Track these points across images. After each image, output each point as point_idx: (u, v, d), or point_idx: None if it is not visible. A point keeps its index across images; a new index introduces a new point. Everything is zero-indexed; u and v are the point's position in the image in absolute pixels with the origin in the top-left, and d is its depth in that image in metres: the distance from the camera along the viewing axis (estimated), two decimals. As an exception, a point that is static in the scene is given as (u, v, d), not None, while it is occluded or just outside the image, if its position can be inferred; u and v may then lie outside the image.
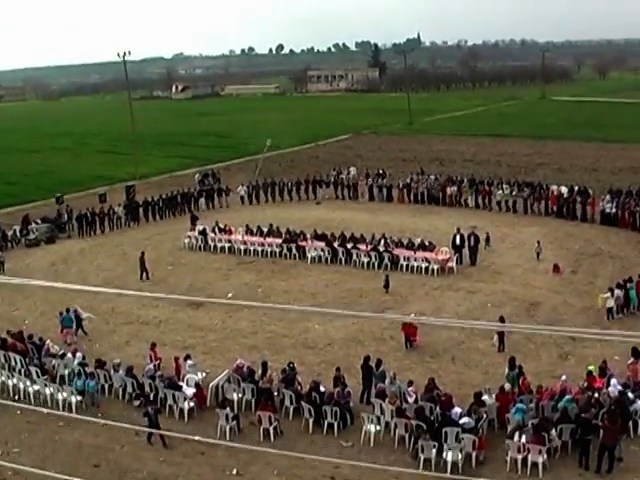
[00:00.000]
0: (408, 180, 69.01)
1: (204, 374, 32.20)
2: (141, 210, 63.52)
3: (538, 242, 47.14)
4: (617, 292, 38.39)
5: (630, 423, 27.02)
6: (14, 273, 49.51)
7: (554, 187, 61.23)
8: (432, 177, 68.92)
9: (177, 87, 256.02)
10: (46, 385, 31.63)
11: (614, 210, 55.72)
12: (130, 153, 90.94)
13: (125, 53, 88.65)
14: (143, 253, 48.37)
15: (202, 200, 67.30)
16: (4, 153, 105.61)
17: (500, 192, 62.57)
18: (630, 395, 27.86)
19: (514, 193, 62.25)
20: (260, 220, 55.96)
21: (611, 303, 38.20)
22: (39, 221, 59.17)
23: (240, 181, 72.10)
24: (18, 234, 57.41)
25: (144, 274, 47.41)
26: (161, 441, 27.53)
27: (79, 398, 30.99)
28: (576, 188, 60.16)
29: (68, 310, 38.17)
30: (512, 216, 59.22)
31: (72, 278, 48.60)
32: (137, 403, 30.97)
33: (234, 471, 26.29)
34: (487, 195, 62.96)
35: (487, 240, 50.46)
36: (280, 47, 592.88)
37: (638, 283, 39.35)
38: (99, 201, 64.10)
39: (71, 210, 60.76)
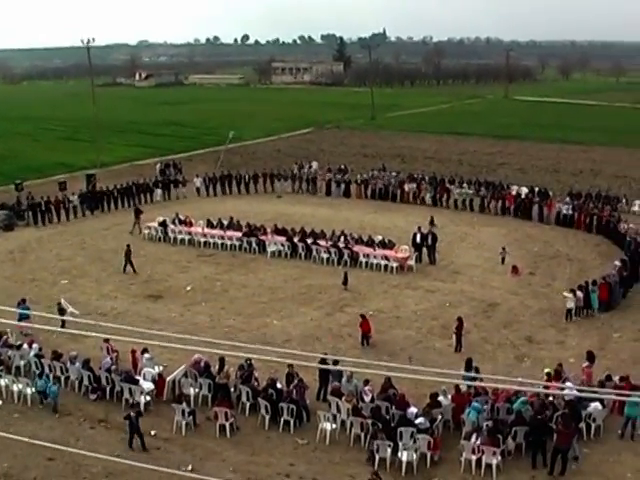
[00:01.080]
0: (366, 176, 69.30)
1: (161, 368, 32.06)
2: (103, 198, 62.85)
3: (504, 248, 47.09)
4: (578, 293, 38.84)
5: (583, 426, 27.30)
6: (-29, 260, 49.24)
7: (514, 187, 61.70)
8: (393, 174, 69.15)
9: (140, 75, 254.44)
10: (1, 376, 31.38)
11: (570, 212, 56.24)
12: (91, 140, 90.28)
13: (89, 40, 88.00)
14: (129, 246, 47.99)
15: (158, 191, 66.76)
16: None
17: (458, 190, 62.98)
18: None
19: (472, 192, 62.60)
20: (220, 213, 55.82)
21: (571, 304, 38.61)
22: (-3, 208, 58.58)
23: (202, 172, 71.70)
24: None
25: (128, 266, 46.82)
26: (141, 446, 27.21)
27: (34, 390, 30.74)
28: (536, 189, 60.69)
29: (24, 300, 37.70)
30: (472, 215, 59.55)
31: (30, 267, 48.34)
32: (93, 397, 30.84)
33: (189, 467, 26.21)
34: (445, 193, 63.32)
35: (431, 222, 52.46)
36: (245, 37, 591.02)
37: (602, 286, 39.70)
38: (59, 189, 63.38)
39: (32, 197, 60.10)
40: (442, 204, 63.02)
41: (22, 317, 36.59)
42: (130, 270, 46.77)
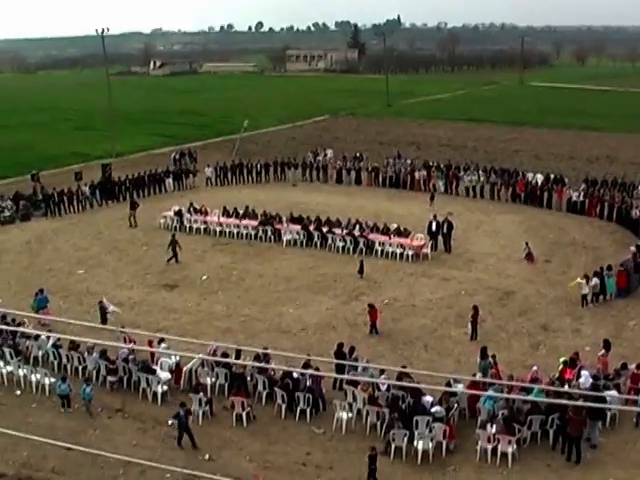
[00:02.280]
0: (377, 164, 69.43)
1: (178, 357, 32.19)
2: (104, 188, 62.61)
3: (526, 243, 46.39)
4: (594, 280, 38.85)
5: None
6: (-12, 251, 49.50)
7: (530, 174, 61.51)
8: (408, 161, 69.12)
9: (155, 63, 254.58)
10: (19, 367, 31.60)
11: (581, 199, 56.19)
12: (106, 130, 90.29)
13: (103, 30, 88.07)
14: (174, 235, 48.18)
15: (169, 181, 66.64)
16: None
17: (469, 178, 62.91)
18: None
19: (482, 179, 62.53)
20: (235, 202, 55.83)
21: (586, 290, 38.65)
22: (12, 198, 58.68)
23: (218, 160, 71.75)
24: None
25: (174, 257, 46.80)
26: (191, 443, 27.03)
27: (52, 380, 30.94)
28: (552, 176, 60.49)
29: (42, 290, 37.96)
30: (487, 203, 59.43)
31: (47, 257, 48.55)
32: (113, 379, 31.01)
33: (206, 456, 26.39)
34: (455, 180, 63.37)
35: (432, 198, 55.98)
36: (260, 25, 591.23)
37: (619, 273, 39.76)
38: (75, 179, 63.41)
39: (43, 188, 60.27)
40: (452, 192, 63.05)
41: (40, 307, 36.92)
42: (169, 258, 46.92)
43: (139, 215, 55.54)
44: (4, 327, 31.53)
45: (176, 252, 46.63)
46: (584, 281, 38.73)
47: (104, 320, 35.96)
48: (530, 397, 26.93)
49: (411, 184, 65.33)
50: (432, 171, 65.60)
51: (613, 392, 27.43)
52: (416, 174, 65.42)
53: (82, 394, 29.23)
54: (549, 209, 57.55)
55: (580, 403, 23.72)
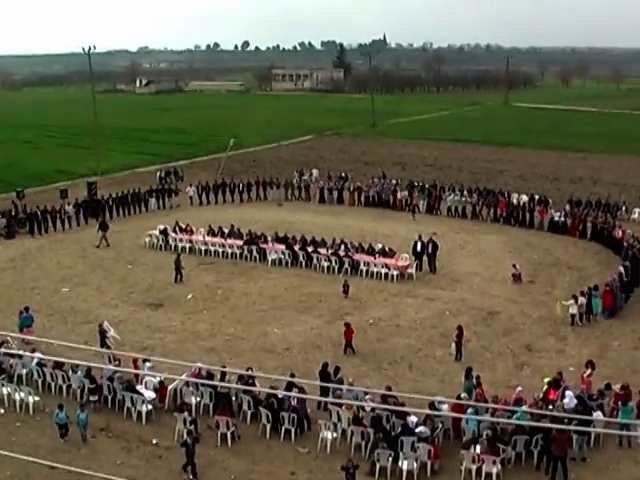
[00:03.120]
0: (359, 183, 69.86)
1: (162, 377, 32.11)
2: (91, 208, 62.33)
3: (514, 265, 46.34)
4: (581, 299, 39.21)
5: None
6: (-28, 268, 49.34)
7: (515, 195, 61.80)
8: (393, 181, 69.35)
9: (141, 81, 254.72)
10: (3, 385, 31.49)
11: (562, 219, 56.52)
12: (92, 147, 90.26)
13: (90, 48, 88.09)
14: (179, 255, 48.27)
15: (152, 200, 66.58)
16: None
17: (450, 197, 63.20)
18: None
19: (464, 199, 62.78)
20: (221, 221, 55.90)
21: (574, 310, 38.93)
22: (-1, 215, 58.66)
23: (203, 179, 71.86)
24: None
25: (178, 277, 46.75)
26: (191, 471, 26.48)
27: (36, 399, 30.88)
28: (537, 197, 60.79)
29: (27, 309, 37.88)
30: (472, 223, 59.63)
31: (31, 275, 48.46)
32: (94, 399, 30.88)
33: (190, 475, 26.33)
34: (437, 200, 63.63)
35: (413, 212, 58.16)
36: (246, 44, 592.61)
37: (605, 293, 40.01)
38: (60, 197, 63.36)
39: (24, 207, 60.12)
40: (435, 212, 63.39)
41: (25, 325, 36.81)
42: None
43: (123, 234, 55.54)
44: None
45: (180, 272, 46.58)
46: (572, 301, 38.99)
47: (103, 344, 35.69)
48: (513, 419, 26.90)
49: (393, 204, 65.54)
50: (413, 191, 65.86)
51: (598, 412, 27.55)
52: (398, 194, 65.70)
53: (76, 419, 28.62)
54: (531, 229, 57.79)
55: (563, 427, 23.83)
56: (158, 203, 66.82)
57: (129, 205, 64.78)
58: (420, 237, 48.58)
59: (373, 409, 28.64)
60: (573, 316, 39.03)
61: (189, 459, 26.24)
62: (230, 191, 69.47)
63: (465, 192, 64.03)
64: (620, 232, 51.21)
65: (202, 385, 30.56)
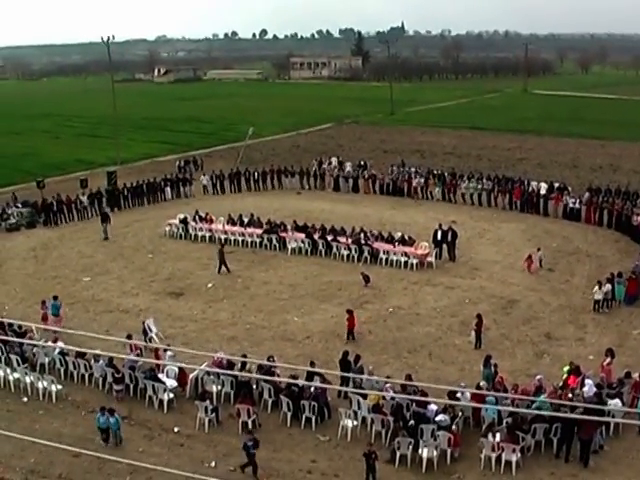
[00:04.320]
0: (374, 171, 70.02)
1: (183, 364, 32.29)
2: (105, 198, 62.51)
3: (538, 249, 46.50)
4: (606, 286, 39.31)
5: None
6: (-6, 258, 49.72)
7: (534, 183, 61.63)
8: (412, 169, 69.30)
9: (159, 70, 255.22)
10: (26, 373, 31.80)
11: (577, 206, 56.55)
12: (111, 137, 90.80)
13: (109, 37, 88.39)
14: (222, 246, 48.49)
15: (168, 189, 66.61)
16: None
17: (465, 184, 63.29)
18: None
19: (479, 187, 62.82)
20: (240, 210, 56.07)
21: (599, 296, 39.08)
22: (19, 205, 58.99)
23: (223, 167, 72.08)
24: (-2, 217, 57.19)
25: (222, 267, 46.66)
26: (252, 472, 26.21)
27: (59, 387, 31.22)
28: (556, 185, 60.62)
29: (55, 297, 38.23)
30: (491, 211, 59.54)
31: (52, 264, 48.79)
32: (118, 388, 31.16)
33: (212, 463, 26.57)
34: (453, 188, 63.73)
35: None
36: (263, 32, 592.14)
37: (630, 280, 40.13)
38: (80, 186, 63.70)
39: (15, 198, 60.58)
40: (451, 199, 63.52)
41: (52, 313, 37.18)
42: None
43: (144, 222, 55.88)
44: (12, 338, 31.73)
45: (225, 263, 46.52)
46: (597, 287, 39.16)
47: (147, 339, 35.76)
48: (533, 408, 26.98)
49: (408, 191, 65.65)
50: (429, 178, 66.03)
51: (616, 401, 27.59)
52: (413, 182, 65.75)
53: (104, 423, 27.92)
54: (547, 216, 57.85)
55: (583, 417, 23.90)
56: (172, 193, 66.83)
57: (145, 195, 64.88)
58: (440, 226, 48.55)
59: (393, 397, 28.79)
60: (597, 302, 39.14)
61: (250, 460, 26.02)
62: (246, 180, 69.52)
63: (480, 179, 63.98)
64: (639, 219, 51.08)
65: (223, 374, 30.77)
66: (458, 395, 28.11)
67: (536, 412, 25.86)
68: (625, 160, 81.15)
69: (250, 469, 26.04)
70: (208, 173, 70.06)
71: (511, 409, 27.29)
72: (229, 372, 29.99)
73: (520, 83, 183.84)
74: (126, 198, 63.59)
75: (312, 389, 29.24)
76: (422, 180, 65.76)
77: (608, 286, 39.32)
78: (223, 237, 52.14)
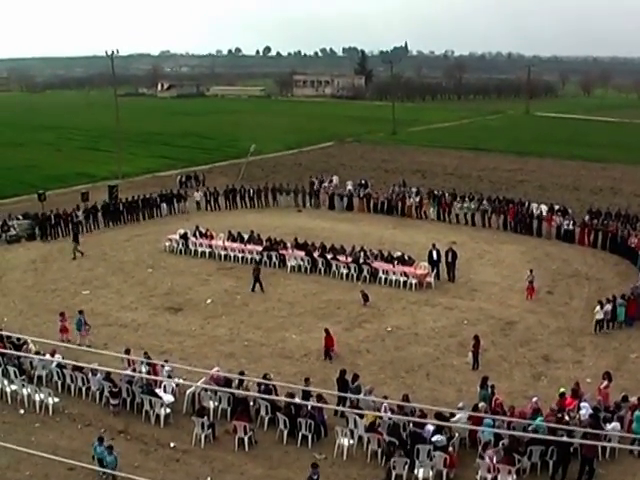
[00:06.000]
0: (369, 190, 70.67)
1: (180, 380, 32.34)
2: (101, 213, 62.65)
3: (531, 271, 45.97)
4: (607, 306, 39.45)
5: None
6: (-6, 269, 49.76)
7: (534, 205, 61.73)
8: (413, 189, 69.43)
9: (162, 85, 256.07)
10: (24, 386, 31.79)
11: (570, 227, 56.77)
12: (113, 151, 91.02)
13: (113, 52, 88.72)
14: (258, 264, 48.90)
15: (164, 205, 66.68)
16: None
17: (459, 205, 63.47)
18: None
19: (473, 207, 62.96)
20: (240, 226, 56.20)
21: (600, 315, 39.21)
22: (20, 217, 59.09)
23: (223, 184, 72.22)
24: (-1, 230, 57.29)
25: (257, 285, 46.34)
26: None
27: (56, 400, 31.22)
28: (556, 207, 60.72)
29: (81, 312, 38.35)
30: (491, 232, 59.57)
31: (52, 276, 48.89)
32: (115, 402, 31.14)
33: (208, 479, 26.54)
34: (448, 208, 63.95)
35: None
36: (267, 49, 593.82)
37: (629, 301, 40.27)
38: (81, 199, 63.89)
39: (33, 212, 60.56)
40: (445, 219, 63.77)
41: (78, 327, 37.34)
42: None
43: (144, 237, 56.07)
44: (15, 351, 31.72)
45: (260, 281, 46.25)
46: (598, 307, 39.32)
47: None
48: (530, 430, 26.99)
49: (402, 210, 65.85)
50: (423, 198, 66.36)
51: (615, 424, 27.58)
52: (407, 201, 65.95)
53: (101, 454, 26.42)
54: (539, 237, 58.12)
55: (581, 441, 23.85)
56: (169, 208, 66.89)
57: (140, 210, 64.88)
58: (434, 245, 48.56)
59: (390, 417, 28.79)
60: (599, 322, 39.27)
61: None
62: (241, 197, 69.62)
63: (474, 200, 64.15)
64: (636, 240, 51.16)
65: (220, 390, 30.79)
66: (454, 418, 28.09)
67: (534, 435, 25.85)
68: (626, 183, 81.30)
69: None
70: (201, 190, 70.31)
71: (506, 431, 27.29)
72: (226, 389, 30.02)
73: (522, 105, 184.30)
74: (121, 213, 63.60)
75: (309, 407, 29.26)
76: (417, 199, 65.93)
77: (608, 306, 39.40)
78: (223, 253, 52.38)
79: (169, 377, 32.01)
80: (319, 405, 28.78)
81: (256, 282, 46.16)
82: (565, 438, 25.86)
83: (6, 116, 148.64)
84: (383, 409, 29.00)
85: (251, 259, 51.35)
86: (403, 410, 28.95)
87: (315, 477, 24.86)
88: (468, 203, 63.47)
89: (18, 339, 34.83)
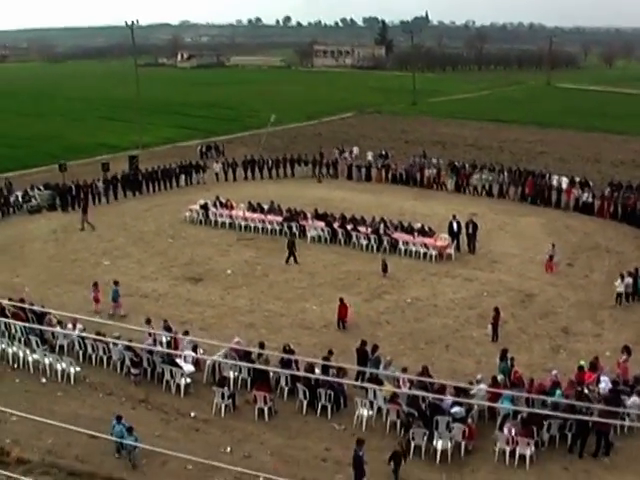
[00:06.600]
0: (388, 161, 70.79)
1: (201, 351, 32.51)
2: (121, 184, 62.56)
3: (553, 245, 45.80)
4: (627, 279, 39.42)
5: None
6: (15, 240, 50.04)
7: (555, 177, 61.41)
8: (433, 161, 69.31)
9: (182, 55, 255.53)
10: (45, 355, 32.06)
11: (590, 200, 56.61)
12: (133, 121, 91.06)
13: (133, 22, 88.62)
14: (293, 235, 48.90)
15: (182, 176, 66.62)
16: (7, 116, 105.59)
17: (477, 176, 63.39)
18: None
19: (491, 178, 62.86)
20: (260, 197, 56.20)
21: (621, 288, 39.17)
22: (41, 187, 59.32)
23: (242, 154, 72.14)
24: (20, 200, 57.46)
25: (291, 258, 46.24)
26: None
27: (77, 370, 31.48)
28: (577, 179, 60.39)
29: (116, 282, 38.51)
30: (510, 204, 59.41)
31: (72, 247, 49.11)
32: (136, 372, 31.39)
33: (228, 449, 26.74)
34: (466, 179, 63.93)
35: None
36: (287, 19, 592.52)
37: None
38: (102, 169, 63.98)
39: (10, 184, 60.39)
40: (464, 190, 63.78)
41: (113, 298, 37.58)
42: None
43: (164, 207, 56.30)
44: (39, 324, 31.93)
45: (293, 253, 46.23)
46: (619, 280, 39.27)
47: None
48: (549, 402, 27.04)
49: (421, 181, 65.86)
50: (441, 169, 66.60)
51: (634, 398, 27.59)
52: (426, 172, 65.96)
53: (119, 433, 26.17)
54: (557, 208, 58.18)
55: (596, 419, 23.87)
56: (188, 179, 66.93)
57: (160, 181, 64.88)
58: (455, 217, 48.53)
59: (410, 387, 28.89)
60: (619, 295, 39.23)
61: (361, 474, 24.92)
62: (259, 168, 69.57)
63: (495, 171, 64.04)
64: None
65: (240, 359, 30.95)
66: (473, 391, 28.16)
67: (552, 413, 25.89)
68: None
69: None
70: (220, 160, 70.40)
71: (525, 409, 27.32)
72: (246, 364, 30.16)
73: (543, 76, 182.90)
74: (140, 184, 63.67)
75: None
76: (434, 171, 65.88)
77: (629, 279, 39.32)
78: (243, 224, 52.53)
79: (194, 350, 32.19)
80: (337, 381, 28.70)
81: (291, 254, 46.18)
82: (582, 415, 25.87)
83: (26, 86, 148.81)
84: (402, 381, 29.13)
85: (271, 230, 51.41)
86: (422, 383, 28.96)
87: (361, 454, 24.73)
88: (486, 174, 63.31)
89: (43, 307, 34.88)
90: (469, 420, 27.11)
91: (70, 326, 33.59)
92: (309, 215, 51.73)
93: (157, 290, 41.64)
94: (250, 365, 29.82)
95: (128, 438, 25.63)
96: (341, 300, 36.76)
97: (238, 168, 69.03)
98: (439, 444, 26.34)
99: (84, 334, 32.78)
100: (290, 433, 27.99)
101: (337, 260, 46.62)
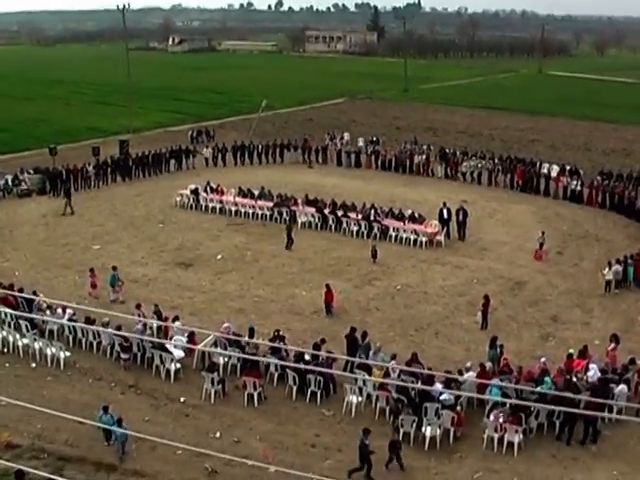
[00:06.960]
0: (378, 147, 70.67)
1: (184, 341, 32.43)
2: (111, 168, 62.22)
3: (543, 233, 45.95)
4: (616, 267, 39.56)
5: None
6: (5, 224, 49.90)
7: (545, 165, 61.45)
8: (424, 147, 69.33)
9: (174, 40, 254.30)
10: (35, 339, 32.02)
11: (578, 188, 56.77)
12: (123, 105, 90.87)
13: (124, 5, 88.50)
14: (290, 221, 48.97)
15: (172, 161, 66.41)
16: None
17: (466, 163, 63.61)
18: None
19: (480, 165, 63.02)
20: (251, 182, 56.13)
21: (610, 276, 39.29)
22: (31, 171, 59.13)
23: (233, 139, 72.06)
24: (10, 183, 57.28)
25: (290, 243, 46.29)
26: (366, 473, 24.88)
27: (67, 354, 31.46)
28: (567, 168, 60.45)
29: (115, 267, 38.55)
30: (501, 192, 59.52)
31: (63, 231, 48.97)
32: (125, 356, 31.38)
33: (217, 434, 26.78)
34: (455, 166, 64.14)
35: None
36: (279, 3, 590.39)
37: (637, 261, 40.41)
38: (92, 154, 63.72)
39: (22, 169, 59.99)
40: (453, 177, 64.00)
41: (111, 284, 37.51)
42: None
43: (154, 192, 56.24)
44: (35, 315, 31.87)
45: (291, 239, 46.25)
46: (607, 268, 39.41)
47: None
48: (538, 390, 27.14)
49: (410, 168, 65.95)
50: (430, 156, 66.74)
51: (622, 386, 27.70)
52: (415, 158, 66.07)
53: (107, 423, 25.70)
54: (547, 196, 58.37)
55: (583, 410, 23.96)
56: (178, 164, 66.74)
57: (150, 166, 64.61)
58: (445, 204, 48.58)
59: (399, 375, 28.95)
60: (608, 282, 39.37)
61: (368, 463, 24.82)
62: (249, 153, 69.43)
63: (485, 158, 64.27)
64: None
65: (230, 345, 31.00)
66: (462, 378, 28.20)
67: (538, 404, 25.98)
68: (638, 145, 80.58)
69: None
70: (210, 146, 70.27)
71: (514, 400, 27.39)
72: (240, 354, 30.19)
73: (535, 64, 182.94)
74: (130, 169, 63.40)
75: (319, 360, 29.46)
76: (424, 157, 65.96)
77: (617, 267, 39.49)
78: (233, 209, 52.42)
79: (190, 338, 32.23)
80: (327, 371, 28.74)
81: (289, 240, 46.20)
82: (571, 403, 25.95)
83: (17, 70, 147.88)
84: (391, 370, 29.17)
85: (262, 215, 51.39)
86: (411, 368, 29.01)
87: (367, 442, 24.70)
88: (475, 161, 63.41)
89: (35, 292, 34.89)
90: (458, 407, 27.21)
91: (60, 311, 33.51)
92: (299, 201, 51.69)
93: (147, 275, 41.57)
94: (240, 355, 29.87)
95: (118, 431, 25.41)
96: (327, 286, 36.80)
97: (228, 153, 68.91)
98: (428, 431, 26.41)
99: (72, 322, 32.63)
100: (279, 419, 28.03)
101: (327, 246, 46.61)
